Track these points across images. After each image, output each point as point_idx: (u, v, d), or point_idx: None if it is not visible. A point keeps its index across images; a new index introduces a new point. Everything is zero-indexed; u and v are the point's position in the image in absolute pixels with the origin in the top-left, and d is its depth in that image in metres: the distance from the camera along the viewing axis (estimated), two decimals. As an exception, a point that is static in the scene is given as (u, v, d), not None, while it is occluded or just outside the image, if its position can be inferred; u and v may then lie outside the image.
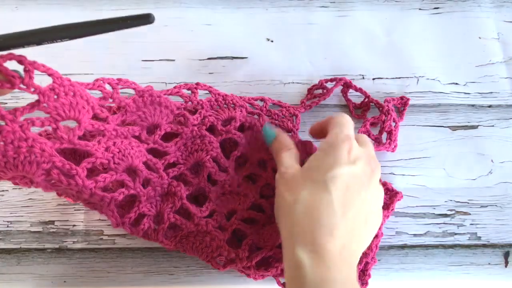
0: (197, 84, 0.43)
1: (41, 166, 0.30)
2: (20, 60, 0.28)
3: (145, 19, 0.31)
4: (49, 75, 0.30)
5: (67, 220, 0.44)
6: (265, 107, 0.46)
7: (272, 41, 0.51)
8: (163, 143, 0.40)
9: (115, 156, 0.34)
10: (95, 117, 0.36)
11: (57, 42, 0.29)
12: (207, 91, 0.44)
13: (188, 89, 0.43)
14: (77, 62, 0.49)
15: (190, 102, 0.42)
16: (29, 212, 0.44)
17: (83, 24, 0.30)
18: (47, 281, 0.43)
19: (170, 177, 0.39)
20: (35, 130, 0.33)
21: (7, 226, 0.44)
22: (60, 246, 0.44)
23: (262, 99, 0.46)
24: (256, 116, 0.44)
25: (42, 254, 0.44)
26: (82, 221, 0.44)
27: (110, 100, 0.38)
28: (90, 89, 0.35)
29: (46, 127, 0.31)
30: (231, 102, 0.43)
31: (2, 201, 0.45)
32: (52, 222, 0.44)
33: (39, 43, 0.28)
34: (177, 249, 0.40)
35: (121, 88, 0.39)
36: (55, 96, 0.30)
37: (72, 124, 0.33)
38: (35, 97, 0.30)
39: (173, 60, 0.49)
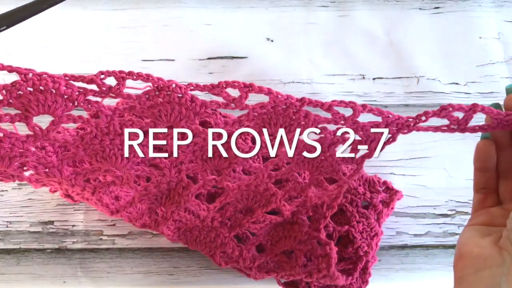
0: (251, 85, 0.33)
1: (13, 160, 0.31)
2: None
3: None
4: (10, 71, 0.30)
5: (67, 220, 0.44)
6: (352, 117, 0.33)
7: (272, 41, 0.51)
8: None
9: (98, 154, 0.33)
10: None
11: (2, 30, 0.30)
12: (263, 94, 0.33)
13: (237, 89, 0.33)
14: (77, 62, 0.49)
15: (233, 105, 0.33)
16: (28, 212, 0.44)
17: (16, 11, 0.31)
18: (47, 282, 0.43)
19: (181, 175, 0.36)
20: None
21: (7, 226, 0.44)
22: (59, 246, 0.44)
23: (353, 107, 0.32)
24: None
25: (42, 254, 0.44)
26: (81, 221, 0.44)
27: (113, 95, 0.34)
28: (82, 81, 0.33)
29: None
30: (292, 114, 0.33)
31: (2, 201, 0.44)
32: (52, 222, 0.44)
33: None
34: (179, 241, 0.39)
35: (136, 79, 0.34)
36: (20, 92, 0.30)
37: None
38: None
39: (173, 60, 0.49)
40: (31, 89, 0.30)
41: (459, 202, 0.46)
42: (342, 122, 0.33)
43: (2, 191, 0.45)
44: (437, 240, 0.45)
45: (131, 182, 0.36)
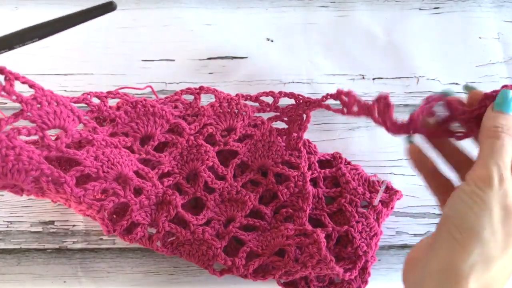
0: (201, 88, 0.43)
1: (29, 173, 0.30)
2: (1, 69, 0.29)
3: (108, 7, 0.32)
4: (30, 86, 0.31)
5: (67, 220, 0.44)
6: (274, 104, 0.44)
7: (272, 41, 0.51)
8: (156, 153, 0.40)
9: (104, 165, 0.35)
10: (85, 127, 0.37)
11: (27, 44, 0.30)
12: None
13: (191, 94, 0.44)
14: (77, 62, 0.49)
15: (191, 109, 0.43)
16: (29, 212, 0.44)
17: (50, 23, 0.31)
18: (47, 281, 0.43)
19: (165, 186, 0.40)
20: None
21: (7, 226, 0.44)
22: (60, 246, 0.44)
23: (272, 95, 0.45)
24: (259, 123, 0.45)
25: (42, 254, 0.44)
26: (82, 221, 0.44)
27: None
28: (75, 102, 0.36)
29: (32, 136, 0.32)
30: (235, 107, 0.43)
31: (2, 201, 0.45)
32: (52, 222, 0.44)
33: (10, 47, 0.29)
34: (174, 255, 0.40)
35: (114, 97, 0.41)
36: (38, 105, 0.31)
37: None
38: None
39: (173, 60, 0.49)
40: (47, 102, 0.32)
41: (459, 202, 0.46)
42: (268, 109, 0.45)
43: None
44: (437, 240, 0.45)
45: (131, 195, 0.37)
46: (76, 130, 0.34)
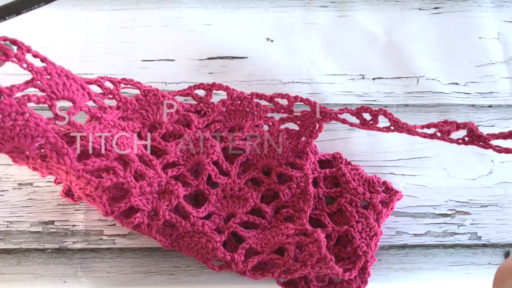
0: (213, 84, 0.44)
1: (35, 139, 0.32)
2: (14, 41, 0.30)
3: None
4: (42, 60, 0.33)
5: (67, 220, 0.44)
6: (288, 107, 0.43)
7: (272, 41, 0.51)
8: (162, 141, 0.41)
9: (108, 143, 0.36)
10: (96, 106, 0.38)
11: (34, 8, 0.31)
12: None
13: (203, 89, 0.44)
14: (77, 62, 0.49)
15: (201, 104, 0.44)
16: (29, 212, 0.44)
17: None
18: (47, 281, 0.43)
19: (169, 176, 0.40)
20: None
21: (7, 226, 0.44)
22: (60, 246, 0.44)
23: (287, 99, 0.43)
24: (266, 127, 0.45)
25: (42, 254, 0.44)
26: (82, 221, 0.44)
27: (110, 96, 0.40)
28: (88, 83, 0.37)
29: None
30: (246, 106, 0.43)
31: (2, 201, 0.45)
32: (52, 222, 0.44)
33: (18, 13, 0.31)
34: (173, 248, 0.40)
35: (125, 87, 0.41)
36: (48, 76, 0.33)
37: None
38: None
39: (173, 60, 0.49)
40: (57, 75, 0.34)
41: (459, 202, 0.46)
42: (282, 110, 0.43)
43: (3, 191, 0.45)
44: (437, 239, 0.45)
45: (131, 177, 0.37)
46: (85, 104, 0.35)
